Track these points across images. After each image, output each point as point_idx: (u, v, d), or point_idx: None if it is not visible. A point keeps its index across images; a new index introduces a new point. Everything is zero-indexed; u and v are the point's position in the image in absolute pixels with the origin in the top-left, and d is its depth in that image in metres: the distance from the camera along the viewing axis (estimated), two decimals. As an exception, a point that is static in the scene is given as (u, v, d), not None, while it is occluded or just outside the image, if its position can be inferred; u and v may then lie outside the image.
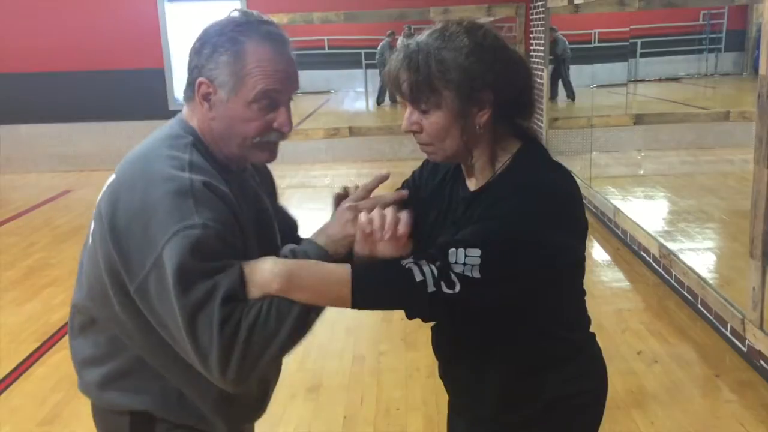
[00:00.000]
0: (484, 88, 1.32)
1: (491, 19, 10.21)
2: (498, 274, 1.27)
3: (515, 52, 1.40)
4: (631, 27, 7.37)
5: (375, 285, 1.30)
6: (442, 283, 1.25)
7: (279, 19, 8.14)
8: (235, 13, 1.35)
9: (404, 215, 1.32)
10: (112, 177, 1.34)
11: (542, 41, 7.58)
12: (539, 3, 7.56)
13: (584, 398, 1.50)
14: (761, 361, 3.23)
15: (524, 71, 1.40)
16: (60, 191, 7.96)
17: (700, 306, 3.91)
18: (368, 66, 14.47)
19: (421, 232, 1.44)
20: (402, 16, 9.29)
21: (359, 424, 3.00)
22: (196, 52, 1.33)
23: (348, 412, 3.10)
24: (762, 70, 3.09)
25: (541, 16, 7.52)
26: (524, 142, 1.41)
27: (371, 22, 11.70)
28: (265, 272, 1.27)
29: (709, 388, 3.20)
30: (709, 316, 3.79)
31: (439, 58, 1.31)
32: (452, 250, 1.26)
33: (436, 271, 1.25)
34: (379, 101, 13.69)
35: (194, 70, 1.33)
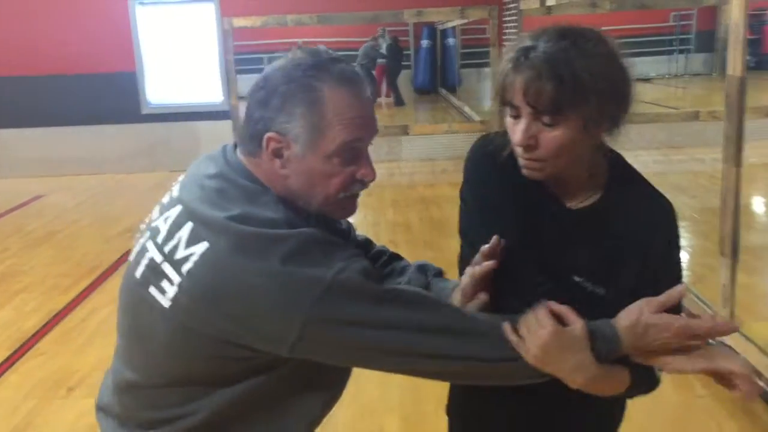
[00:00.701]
0: (615, 99, 1.21)
1: (465, 21, 10.26)
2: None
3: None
4: (603, 28, 7.45)
5: (641, 387, 1.26)
6: None
7: (252, 22, 8.12)
8: (301, 54, 1.19)
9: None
10: (204, 247, 1.14)
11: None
12: (512, 5, 7.62)
13: None
14: (732, 357, 3.28)
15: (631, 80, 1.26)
16: (31, 196, 7.86)
17: (672, 303, 3.96)
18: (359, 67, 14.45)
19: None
20: (375, 19, 9.29)
21: (337, 426, 2.99)
22: (261, 103, 1.17)
23: (349, 411, 3.09)
24: (730, 70, 3.14)
25: (514, 18, 7.58)
26: (610, 151, 1.31)
27: (345, 25, 11.70)
28: (579, 359, 1.14)
29: (681, 383, 3.24)
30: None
31: (585, 67, 1.16)
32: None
33: None
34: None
35: (259, 123, 1.18)
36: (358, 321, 1.11)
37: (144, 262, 1.22)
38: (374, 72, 13.31)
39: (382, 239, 5.59)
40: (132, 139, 8.68)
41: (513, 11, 7.59)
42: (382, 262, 1.51)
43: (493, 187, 1.32)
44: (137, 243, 1.28)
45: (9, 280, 4.96)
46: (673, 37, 16.16)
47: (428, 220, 6.22)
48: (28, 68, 8.85)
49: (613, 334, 1.15)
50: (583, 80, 1.15)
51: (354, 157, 1.20)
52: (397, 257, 1.54)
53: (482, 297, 1.25)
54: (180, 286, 1.15)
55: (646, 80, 14.61)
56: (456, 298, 1.27)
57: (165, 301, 1.17)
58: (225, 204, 1.16)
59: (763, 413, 2.94)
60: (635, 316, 1.16)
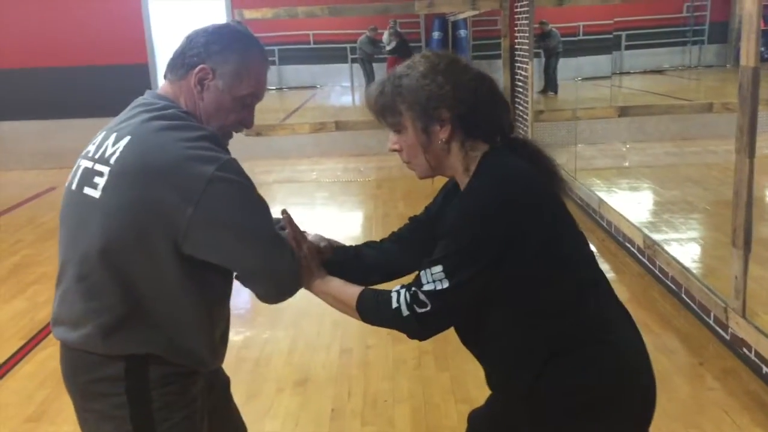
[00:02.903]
0: (439, 106, 1.49)
1: (476, 12, 10.22)
2: (462, 277, 1.42)
3: (474, 73, 1.54)
4: (616, 19, 7.41)
5: (372, 309, 1.54)
6: (414, 306, 1.45)
7: (263, 14, 8.11)
8: (240, 26, 1.63)
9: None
10: (127, 139, 1.48)
11: (527, 34, 7.59)
12: (523, -4, 7.57)
13: (587, 394, 1.47)
14: (744, 349, 3.27)
15: (482, 90, 1.52)
16: (44, 188, 7.91)
17: (683, 295, 3.95)
18: (354, 60, 14.45)
19: None
20: (386, 10, 9.27)
21: (347, 417, 3.01)
22: (203, 44, 1.55)
23: (336, 404, 3.11)
24: (743, 61, 3.12)
25: (526, 9, 7.53)
26: (489, 147, 1.53)
27: (356, 16, 11.69)
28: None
29: (693, 376, 3.24)
30: (692, 305, 3.83)
31: (398, 83, 1.52)
32: (423, 272, 1.46)
33: (408, 297, 1.46)
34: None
35: (194, 57, 1.54)
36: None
37: (78, 174, 1.53)
38: (386, 62, 13.33)
39: (392, 230, 5.61)
40: (144, 131, 8.71)
41: (525, 2, 7.54)
42: None
43: (442, 188, 1.74)
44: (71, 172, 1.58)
45: (23, 271, 5.00)
46: (687, 28, 16.02)
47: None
48: (41, 60, 8.90)
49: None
50: (392, 94, 1.51)
51: (247, 106, 1.60)
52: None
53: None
54: (110, 173, 1.46)
55: (660, 72, 14.51)
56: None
57: (96, 193, 1.47)
58: (141, 115, 1.52)
59: (775, 406, 2.93)
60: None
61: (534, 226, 1.44)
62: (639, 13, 12.41)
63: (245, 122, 1.63)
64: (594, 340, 1.49)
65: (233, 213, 1.45)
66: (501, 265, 1.42)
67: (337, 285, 1.62)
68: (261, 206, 1.52)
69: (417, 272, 1.49)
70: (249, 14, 8.08)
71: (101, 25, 8.88)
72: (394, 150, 1.58)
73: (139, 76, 8.92)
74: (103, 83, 8.92)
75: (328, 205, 6.67)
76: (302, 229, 1.68)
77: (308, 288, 1.63)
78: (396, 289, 1.50)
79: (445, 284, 1.42)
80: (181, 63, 1.57)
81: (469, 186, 1.51)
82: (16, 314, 4.21)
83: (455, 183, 1.62)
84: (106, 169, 1.46)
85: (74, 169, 1.57)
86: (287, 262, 1.56)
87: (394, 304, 1.47)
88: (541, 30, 7.64)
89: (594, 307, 1.52)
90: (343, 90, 15.09)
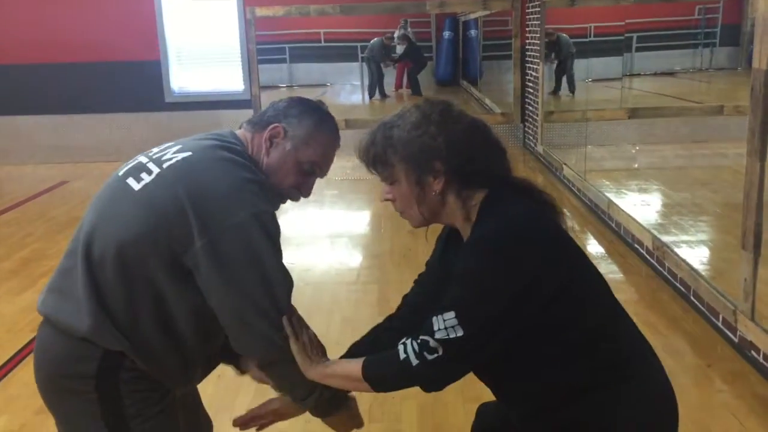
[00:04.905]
0: (432, 158, 1.45)
1: (487, 12, 10.21)
2: (477, 325, 1.37)
3: (468, 122, 1.50)
4: (627, 21, 7.39)
5: (379, 373, 1.47)
6: (424, 353, 1.38)
7: (275, 11, 8.14)
8: (323, 104, 1.72)
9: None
10: (188, 153, 1.55)
11: (538, 35, 7.59)
12: (535, -4, 7.57)
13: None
14: (752, 352, 3.27)
15: (476, 140, 1.48)
16: (56, 182, 7.96)
17: (692, 297, 3.94)
18: (363, 60, 14.47)
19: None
20: (398, 9, 9.29)
21: (355, 413, 3.02)
22: (281, 108, 1.66)
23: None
24: (755, 63, 3.11)
25: (537, 9, 7.53)
26: (489, 192, 1.47)
27: (368, 15, 11.70)
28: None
29: (701, 378, 3.23)
30: (701, 307, 3.83)
31: (389, 134, 1.48)
32: (434, 318, 1.38)
33: (417, 346, 1.39)
34: (371, 95, 13.69)
35: (272, 117, 1.64)
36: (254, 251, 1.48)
37: (131, 164, 1.59)
38: (395, 66, 13.34)
39: (401, 229, 5.61)
40: (156, 127, 8.73)
41: (536, 3, 7.54)
42: None
43: (438, 239, 1.70)
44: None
45: (33, 265, 5.03)
46: (698, 30, 15.96)
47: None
48: (54, 56, 8.94)
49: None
50: (383, 146, 1.48)
51: (307, 175, 1.67)
52: None
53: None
54: (157, 174, 1.51)
55: (671, 74, 14.46)
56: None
57: (137, 186, 1.52)
58: (211, 140, 1.59)
59: (783, 409, 2.93)
60: None
61: (548, 269, 1.40)
62: (650, 15, 12.36)
63: (302, 190, 1.68)
64: (618, 377, 1.47)
65: (238, 267, 1.46)
66: (517, 312, 1.37)
67: (338, 364, 1.56)
68: (271, 275, 1.50)
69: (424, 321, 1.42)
70: (261, 12, 8.11)
71: (114, 22, 8.91)
72: (387, 200, 1.55)
73: (152, 72, 8.96)
74: (115, 79, 8.96)
75: (337, 202, 6.67)
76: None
77: (310, 376, 1.56)
78: (401, 342, 1.43)
79: (459, 332, 1.35)
80: (259, 119, 1.66)
81: (476, 233, 1.45)
82: (27, 307, 4.24)
83: (452, 230, 1.59)
84: (156, 170, 1.52)
85: (131, 160, 1.63)
86: (267, 327, 1.52)
87: (401, 356, 1.40)
88: (548, 39, 7.62)
89: (615, 344, 1.49)
90: (353, 88, 15.10)
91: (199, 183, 1.47)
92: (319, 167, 1.67)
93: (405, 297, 1.76)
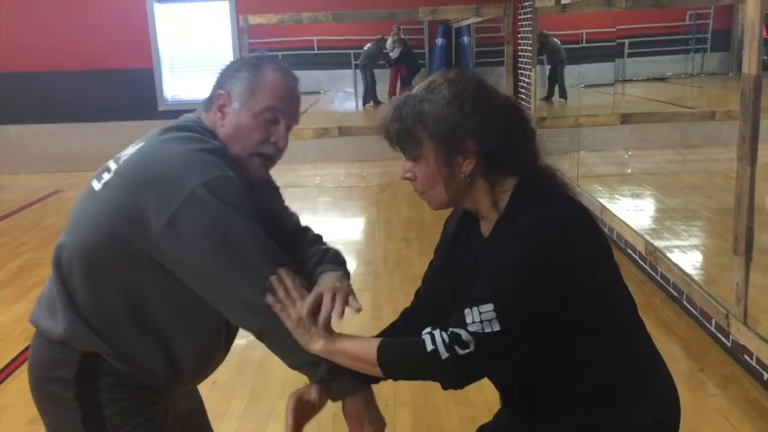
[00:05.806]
0: (465, 137, 1.36)
1: (479, 19, 10.25)
2: (517, 322, 1.29)
3: (503, 100, 1.42)
4: (618, 27, 7.42)
5: (399, 360, 1.38)
6: (456, 346, 1.28)
7: (268, 19, 8.15)
8: (262, 54, 1.63)
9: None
10: (140, 144, 1.54)
11: (530, 41, 7.62)
12: (527, 3, 7.60)
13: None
14: (745, 356, 3.28)
15: (513, 119, 1.40)
16: (49, 191, 7.95)
17: (685, 302, 3.96)
18: (357, 66, 14.49)
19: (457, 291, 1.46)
20: (391, 16, 9.30)
21: (349, 420, 3.02)
22: (222, 74, 1.59)
23: (337, 408, 3.09)
24: (745, 69, 3.13)
25: (529, 16, 7.56)
26: (522, 177, 1.40)
27: (360, 22, 11.72)
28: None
29: (695, 382, 3.25)
30: (694, 312, 3.84)
31: (419, 109, 1.37)
32: (467, 310, 1.29)
33: (447, 338, 1.29)
34: (365, 102, 13.71)
35: (215, 88, 1.58)
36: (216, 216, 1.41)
37: (101, 167, 1.57)
38: (392, 65, 13.36)
39: (395, 235, 5.62)
40: (148, 135, 8.74)
41: (528, 9, 7.57)
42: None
43: (447, 222, 1.61)
44: None
45: (26, 274, 5.03)
46: (690, 36, 16.04)
47: (441, 217, 6.23)
48: (47, 64, 8.94)
49: None
50: (412, 121, 1.37)
51: (273, 121, 1.54)
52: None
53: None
54: (115, 171, 1.50)
55: (662, 79, 14.53)
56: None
57: (98, 186, 1.51)
58: (165, 128, 1.54)
59: (776, 412, 2.94)
60: None
61: (597, 265, 1.37)
62: (642, 21, 12.43)
63: (274, 139, 1.55)
64: (640, 378, 1.46)
65: (200, 240, 1.40)
66: (560, 309, 1.32)
67: (348, 341, 1.44)
68: (235, 236, 1.42)
69: (458, 307, 1.33)
70: (253, 20, 8.11)
71: (107, 30, 8.91)
72: (407, 179, 1.44)
73: (145, 81, 8.96)
74: (108, 87, 8.96)
75: (330, 210, 6.68)
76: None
77: (311, 350, 1.45)
78: (427, 331, 1.32)
79: (496, 327, 1.27)
80: (208, 98, 1.61)
81: (520, 222, 1.34)
82: (20, 317, 4.23)
83: (463, 214, 1.52)
84: (114, 167, 1.52)
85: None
86: (252, 294, 1.44)
87: (429, 347, 1.30)
88: (540, 42, 7.67)
89: (639, 345, 1.49)
90: (346, 96, 15.11)
91: (149, 169, 1.46)
92: (279, 111, 1.54)
93: (417, 292, 1.67)
